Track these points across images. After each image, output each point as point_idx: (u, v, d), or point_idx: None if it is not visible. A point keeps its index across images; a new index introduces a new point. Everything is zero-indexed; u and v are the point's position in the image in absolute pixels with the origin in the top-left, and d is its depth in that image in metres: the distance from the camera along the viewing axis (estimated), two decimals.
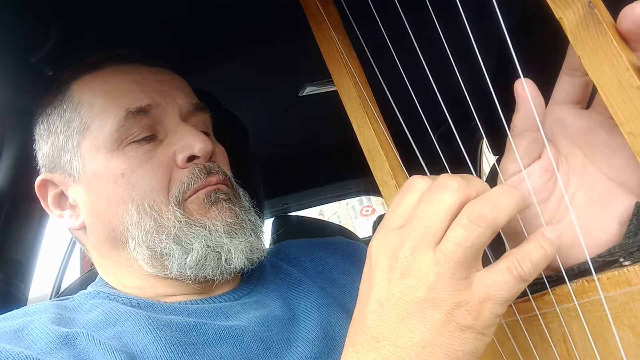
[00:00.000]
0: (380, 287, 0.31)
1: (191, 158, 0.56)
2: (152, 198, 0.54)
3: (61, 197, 0.60)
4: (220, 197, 0.56)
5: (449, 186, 0.31)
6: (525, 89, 0.33)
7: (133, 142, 0.56)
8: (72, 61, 0.61)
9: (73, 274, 1.53)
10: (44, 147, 0.61)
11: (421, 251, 0.30)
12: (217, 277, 0.54)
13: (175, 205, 0.54)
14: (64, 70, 0.61)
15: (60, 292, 0.97)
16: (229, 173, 0.61)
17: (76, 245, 1.53)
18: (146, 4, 0.72)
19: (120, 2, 0.70)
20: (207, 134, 0.62)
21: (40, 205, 0.61)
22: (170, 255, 0.53)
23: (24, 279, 0.87)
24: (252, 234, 0.57)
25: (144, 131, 0.56)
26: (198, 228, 0.54)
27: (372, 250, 0.33)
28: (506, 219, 0.30)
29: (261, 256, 0.58)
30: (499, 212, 0.30)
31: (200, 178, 0.55)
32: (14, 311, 0.52)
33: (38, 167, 0.63)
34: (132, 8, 0.72)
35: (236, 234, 0.55)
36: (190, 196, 0.55)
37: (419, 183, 0.33)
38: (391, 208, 0.34)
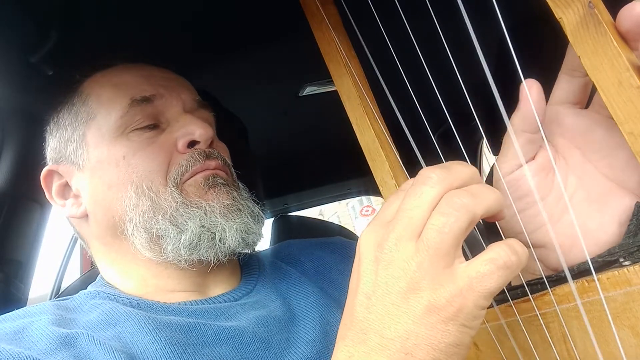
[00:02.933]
0: (367, 279, 0.32)
1: (192, 144, 0.58)
2: (150, 179, 0.55)
3: (65, 187, 0.62)
4: (219, 181, 0.57)
5: (429, 179, 0.31)
6: (527, 89, 0.33)
7: (136, 129, 0.58)
8: (72, 61, 0.62)
9: (73, 274, 1.53)
10: (52, 141, 0.64)
11: (404, 242, 0.30)
12: (212, 258, 0.55)
13: (173, 186, 0.55)
14: (74, 71, 0.64)
15: (60, 292, 0.97)
16: (230, 162, 0.62)
17: (76, 245, 1.53)
18: (146, 5, 0.72)
19: (120, 2, 0.70)
20: None
21: (40, 205, 0.62)
22: (166, 236, 0.54)
23: (24, 279, 0.87)
24: (248, 216, 0.58)
25: (147, 119, 0.58)
26: (194, 209, 0.54)
27: (360, 245, 0.33)
28: (484, 209, 0.30)
29: (257, 239, 0.58)
30: (477, 201, 0.30)
31: (199, 161, 0.57)
32: (14, 312, 0.52)
33: (46, 163, 0.64)
34: (132, 8, 0.72)
35: (232, 215, 0.56)
36: (189, 179, 0.56)
37: (410, 184, 0.33)
38: (382, 207, 0.34)
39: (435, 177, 0.31)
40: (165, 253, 0.55)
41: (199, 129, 0.57)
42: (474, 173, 0.32)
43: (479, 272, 0.29)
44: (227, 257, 0.56)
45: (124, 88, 0.59)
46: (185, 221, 0.54)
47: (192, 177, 0.56)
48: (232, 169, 0.62)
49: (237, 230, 0.55)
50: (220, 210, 0.55)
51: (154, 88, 0.59)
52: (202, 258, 0.55)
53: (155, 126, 0.59)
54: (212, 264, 0.55)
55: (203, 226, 0.54)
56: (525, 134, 0.35)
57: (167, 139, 0.58)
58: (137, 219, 0.55)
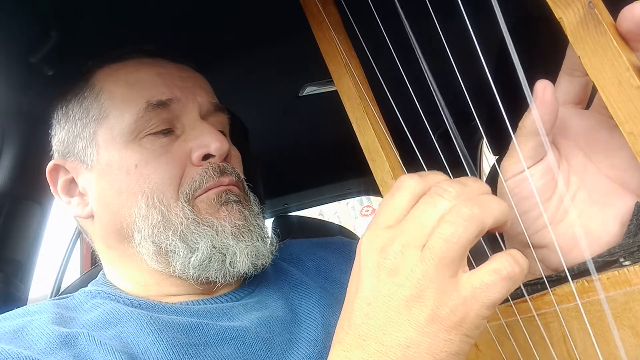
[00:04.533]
0: (368, 284, 0.31)
1: (206, 156, 0.56)
2: (162, 192, 0.54)
3: (71, 183, 0.60)
4: (231, 198, 0.56)
5: (447, 192, 0.31)
6: (544, 91, 0.32)
7: (150, 134, 0.56)
8: (73, 61, 0.61)
9: (73, 274, 1.53)
10: (60, 133, 0.62)
11: (411, 249, 0.30)
12: (220, 279, 0.54)
13: (185, 202, 0.54)
14: (87, 61, 0.61)
15: (60, 292, 0.97)
16: (242, 176, 0.61)
17: (76, 245, 1.53)
18: (146, 4, 0.72)
19: (120, 2, 0.70)
20: (223, 134, 0.62)
21: (40, 205, 0.61)
22: (175, 253, 0.53)
23: (24, 279, 0.87)
24: (259, 239, 0.56)
25: (161, 124, 0.56)
26: (205, 227, 0.53)
27: (361, 248, 0.33)
28: (491, 220, 0.30)
29: (266, 262, 0.57)
30: (485, 212, 0.30)
31: (213, 177, 0.55)
32: (13, 311, 0.52)
33: (51, 152, 0.63)
34: (133, 8, 0.72)
35: (243, 237, 0.55)
36: (201, 195, 0.55)
37: (408, 182, 0.33)
38: (381, 207, 0.34)
39: (454, 191, 0.31)
40: (172, 267, 0.54)
41: (215, 142, 0.55)
42: (488, 190, 0.32)
43: (483, 282, 0.29)
44: (235, 279, 0.55)
45: (139, 89, 0.57)
46: (196, 239, 0.53)
47: (204, 193, 0.55)
48: (245, 183, 0.60)
49: (247, 254, 0.54)
50: (231, 231, 0.54)
51: (171, 90, 0.57)
52: (210, 278, 0.54)
53: (169, 131, 0.57)
54: (219, 284, 0.55)
55: (214, 247, 0.53)
56: (538, 136, 0.35)
57: (182, 148, 0.56)
58: (146, 231, 0.54)
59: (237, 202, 0.56)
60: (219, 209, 0.55)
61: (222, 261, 0.53)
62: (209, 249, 0.53)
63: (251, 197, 0.61)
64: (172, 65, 0.61)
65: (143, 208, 0.54)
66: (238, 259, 0.53)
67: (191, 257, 0.53)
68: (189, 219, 0.53)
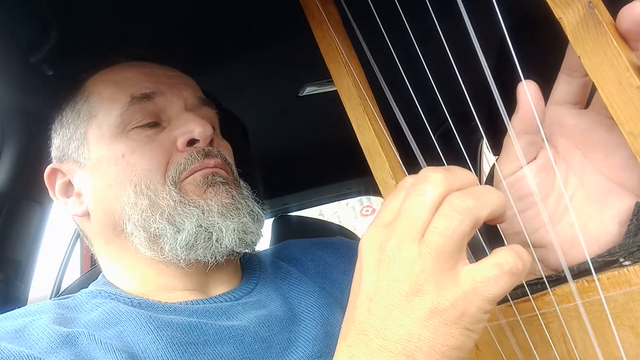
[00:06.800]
0: (369, 280, 0.31)
1: (191, 142, 0.58)
2: (149, 178, 0.55)
3: (68, 185, 0.62)
4: (218, 179, 0.57)
5: (431, 178, 0.31)
6: (526, 91, 0.33)
7: (136, 127, 0.58)
8: (72, 61, 0.62)
9: (73, 274, 1.53)
10: (56, 140, 0.64)
11: (407, 244, 0.30)
12: (209, 258, 0.54)
13: (172, 185, 0.55)
14: (78, 71, 0.64)
15: (60, 292, 0.97)
16: (231, 161, 0.62)
17: (76, 245, 1.53)
18: (146, 5, 0.72)
19: (120, 2, 0.70)
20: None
21: (40, 205, 0.62)
22: (163, 236, 0.54)
23: (24, 279, 0.87)
24: (247, 216, 0.57)
25: (147, 117, 0.58)
26: (192, 208, 0.54)
27: (362, 246, 0.33)
28: (487, 212, 0.30)
29: (255, 239, 0.58)
30: (480, 204, 0.30)
31: (198, 160, 0.57)
32: (15, 311, 0.52)
33: (51, 161, 0.65)
34: (132, 8, 0.72)
35: (231, 214, 0.56)
36: (187, 177, 0.56)
37: (407, 180, 0.33)
38: (382, 207, 0.34)
39: (437, 176, 0.31)
40: (163, 251, 0.55)
41: (198, 127, 0.57)
42: (475, 178, 0.32)
43: (485, 276, 0.28)
44: (225, 257, 0.56)
45: (124, 85, 0.59)
46: (183, 220, 0.54)
47: (190, 175, 0.56)
48: (233, 167, 0.62)
49: (234, 230, 0.55)
50: (218, 210, 0.55)
51: (155, 85, 0.59)
52: (199, 258, 0.54)
53: (155, 124, 0.59)
54: (210, 265, 0.55)
55: (200, 225, 0.54)
56: (526, 135, 0.35)
57: (167, 137, 0.58)
58: (135, 218, 0.55)
59: (224, 184, 0.57)
60: (206, 190, 0.56)
61: (208, 239, 0.54)
62: (194, 228, 0.53)
63: (242, 183, 0.62)
64: (158, 66, 0.63)
65: (132, 196, 0.55)
66: (224, 235, 0.54)
67: (178, 237, 0.54)
68: (175, 201, 0.54)
